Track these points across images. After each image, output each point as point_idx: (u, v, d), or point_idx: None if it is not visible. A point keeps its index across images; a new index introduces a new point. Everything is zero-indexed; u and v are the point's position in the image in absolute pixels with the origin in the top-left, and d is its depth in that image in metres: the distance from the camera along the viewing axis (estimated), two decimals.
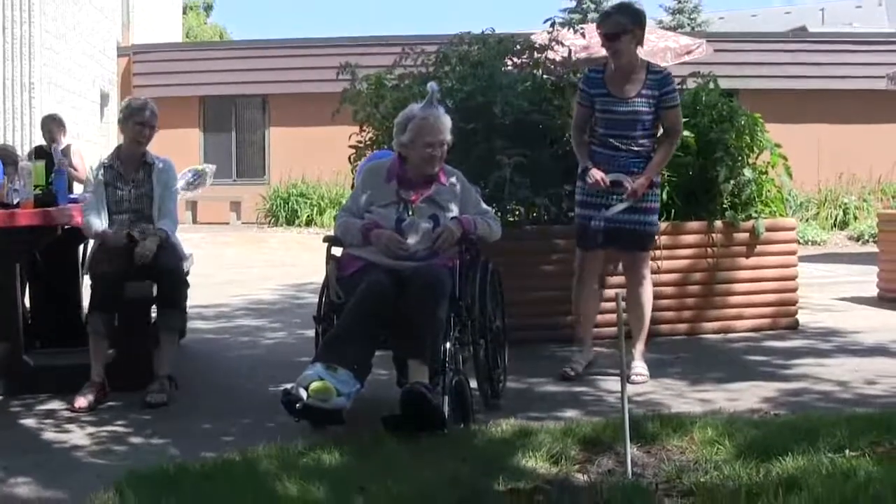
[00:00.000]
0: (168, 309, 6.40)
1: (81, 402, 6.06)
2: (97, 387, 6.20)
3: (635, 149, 6.54)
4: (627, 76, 6.54)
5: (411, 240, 5.64)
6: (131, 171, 6.64)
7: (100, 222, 6.49)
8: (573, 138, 6.80)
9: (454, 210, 5.82)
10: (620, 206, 6.52)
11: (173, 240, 6.59)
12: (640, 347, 6.70)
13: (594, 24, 7.53)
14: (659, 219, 6.93)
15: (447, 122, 5.87)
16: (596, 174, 6.47)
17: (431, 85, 6.11)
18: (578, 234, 6.80)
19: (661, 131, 6.71)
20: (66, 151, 11.09)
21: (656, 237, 7.00)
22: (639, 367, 6.56)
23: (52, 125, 11.37)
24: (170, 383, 6.27)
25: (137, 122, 6.60)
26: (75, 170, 10.65)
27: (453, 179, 5.91)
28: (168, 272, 6.34)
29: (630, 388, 4.52)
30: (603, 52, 12.56)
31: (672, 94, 6.58)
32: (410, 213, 5.73)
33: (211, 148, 24.18)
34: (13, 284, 6.41)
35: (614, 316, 4.70)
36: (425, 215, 5.72)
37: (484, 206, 6.07)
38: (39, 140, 11.75)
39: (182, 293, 6.54)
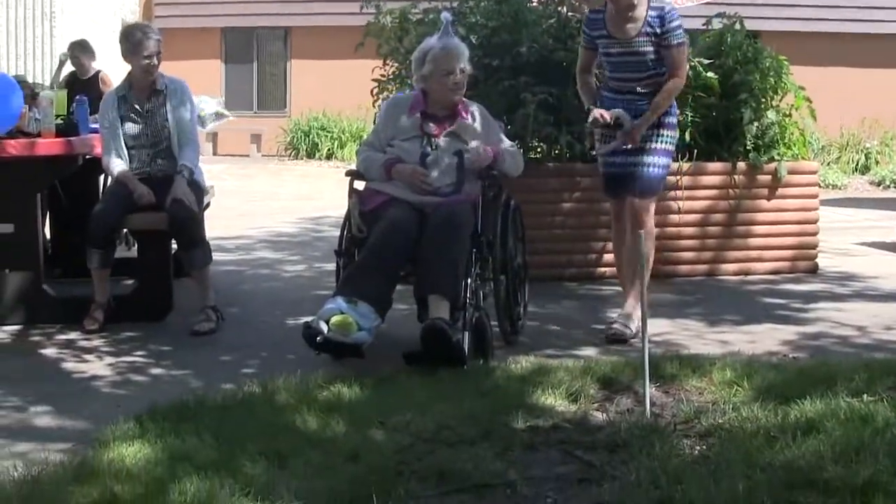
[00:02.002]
0: (190, 250, 6.36)
1: (90, 323, 6.22)
2: (103, 306, 6.33)
3: (642, 90, 6.15)
4: (627, 16, 6.11)
5: (435, 174, 5.63)
6: (144, 100, 6.52)
7: (122, 163, 6.46)
8: (578, 81, 6.46)
9: (477, 145, 5.80)
10: (612, 145, 6.14)
11: (196, 175, 6.51)
12: (631, 301, 6.15)
13: None
14: (675, 161, 6.51)
15: (465, 50, 5.85)
16: (596, 111, 6.07)
17: (445, 15, 6.08)
18: (602, 181, 6.42)
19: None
20: (94, 78, 11.03)
21: (662, 184, 6.43)
22: (621, 320, 6.13)
23: (80, 52, 11.25)
24: (215, 313, 6.34)
25: (146, 57, 6.40)
26: None
27: (476, 114, 5.88)
28: (181, 220, 6.24)
29: (649, 328, 4.50)
30: None
31: (674, 31, 6.09)
32: (434, 147, 5.72)
33: (232, 80, 24.05)
34: (34, 214, 6.43)
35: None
36: (449, 150, 5.70)
37: (507, 140, 6.05)
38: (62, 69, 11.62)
39: (199, 232, 6.44)
